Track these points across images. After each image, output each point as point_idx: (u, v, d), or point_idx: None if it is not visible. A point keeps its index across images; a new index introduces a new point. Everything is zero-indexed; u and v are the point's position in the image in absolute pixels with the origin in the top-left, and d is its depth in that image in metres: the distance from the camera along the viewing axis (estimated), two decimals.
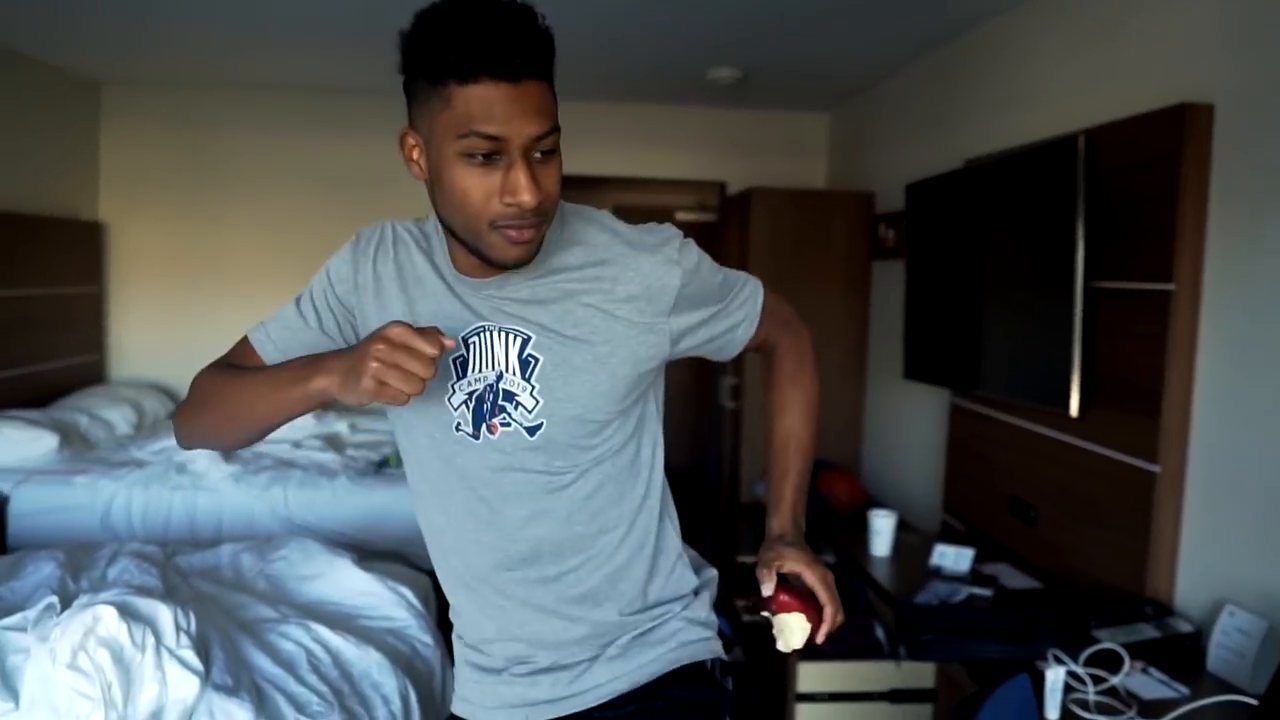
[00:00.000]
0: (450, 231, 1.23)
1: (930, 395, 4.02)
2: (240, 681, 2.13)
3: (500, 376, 1.27)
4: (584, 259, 1.29)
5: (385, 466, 4.35)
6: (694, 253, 1.33)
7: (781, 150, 5.75)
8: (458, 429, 1.29)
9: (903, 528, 3.32)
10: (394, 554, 3.84)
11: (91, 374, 5.44)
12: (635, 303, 1.27)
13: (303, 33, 4.24)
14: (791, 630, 1.27)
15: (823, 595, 1.32)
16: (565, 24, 4.05)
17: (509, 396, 1.27)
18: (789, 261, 4.77)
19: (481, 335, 1.27)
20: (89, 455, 4.35)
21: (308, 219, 5.73)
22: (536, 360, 1.26)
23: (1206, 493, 2.40)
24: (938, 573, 2.93)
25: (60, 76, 5.17)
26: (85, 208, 5.48)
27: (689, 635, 1.40)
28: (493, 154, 1.13)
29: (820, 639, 1.28)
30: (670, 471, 1.45)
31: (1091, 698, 2.03)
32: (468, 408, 1.28)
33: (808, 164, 5.79)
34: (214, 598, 2.66)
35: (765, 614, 1.29)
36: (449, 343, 1.09)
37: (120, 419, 4.87)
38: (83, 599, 2.11)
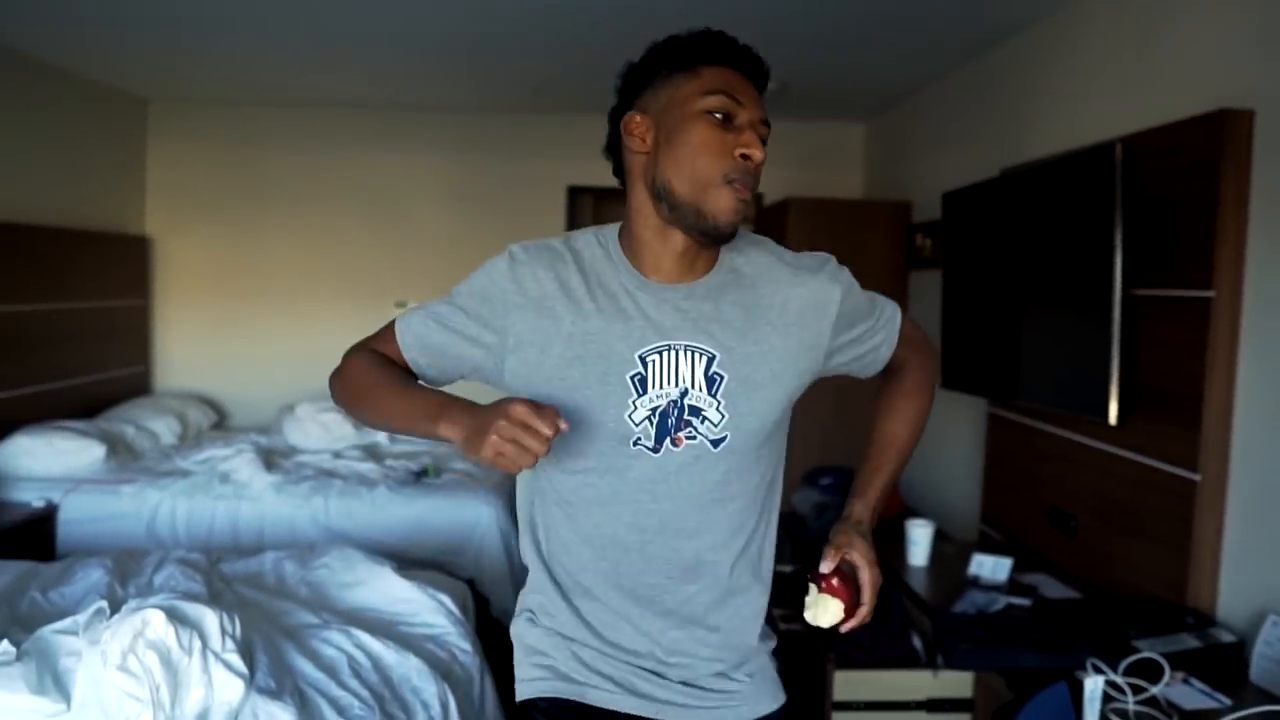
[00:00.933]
0: (665, 198, 1.31)
1: (969, 405, 4.00)
2: (284, 685, 2.16)
3: (685, 393, 1.33)
4: (755, 278, 1.39)
5: (424, 476, 4.39)
6: (848, 273, 1.45)
7: (818, 161, 5.76)
8: (636, 443, 1.33)
9: (941, 538, 3.31)
10: (432, 563, 3.88)
11: (137, 385, 5.55)
12: (803, 319, 1.38)
13: (349, 50, 4.32)
14: (827, 611, 1.33)
15: (868, 595, 1.37)
16: (600, 35, 4.10)
17: (695, 411, 1.33)
18: None
19: (664, 353, 1.33)
20: (135, 465, 4.44)
21: (351, 235, 5.82)
22: (722, 378, 1.33)
23: (1249, 501, 2.37)
24: (975, 582, 2.91)
25: (109, 94, 5.29)
26: (132, 222, 5.60)
27: (776, 684, 1.52)
28: (729, 117, 1.29)
29: (844, 629, 1.36)
30: None
31: (1131, 707, 2.01)
32: (650, 423, 1.32)
33: (844, 174, 5.79)
34: (257, 604, 2.70)
35: (812, 584, 1.35)
36: (564, 425, 1.15)
37: (165, 429, 4.97)
38: (131, 603, 2.15)
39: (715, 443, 1.34)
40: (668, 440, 1.33)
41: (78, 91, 4.99)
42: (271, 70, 4.79)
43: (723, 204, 1.28)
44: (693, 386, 1.32)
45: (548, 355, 1.33)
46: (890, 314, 1.51)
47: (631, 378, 1.32)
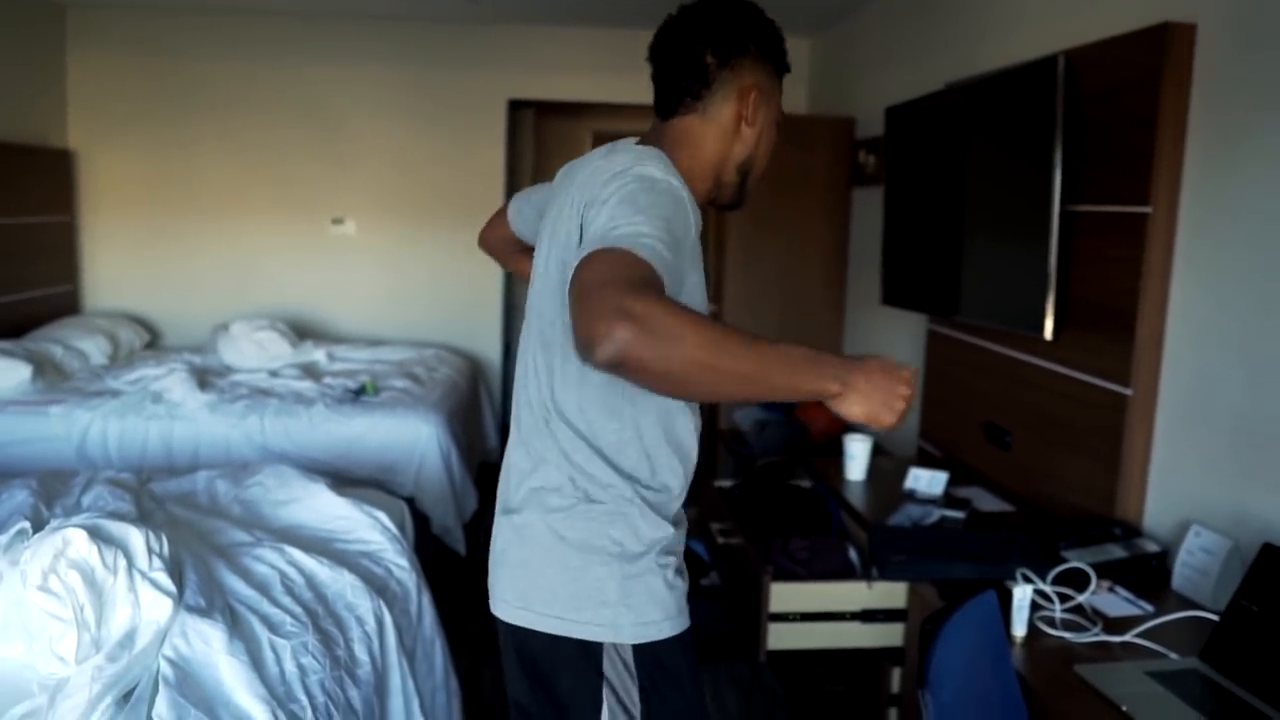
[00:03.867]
0: (743, 174, 1.57)
1: (908, 321, 4.02)
2: (214, 603, 2.13)
3: None
4: None
5: (362, 394, 4.34)
6: None
7: None
8: None
9: (879, 453, 3.34)
10: (371, 481, 3.85)
11: (65, 304, 5.40)
12: None
13: None
14: None
15: None
16: None
17: None
18: (768, 187, 4.73)
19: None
20: (64, 385, 4.33)
21: (285, 148, 5.66)
22: None
23: (1177, 415, 2.41)
24: (911, 496, 2.95)
25: None
26: (54, 135, 5.38)
27: None
28: None
29: None
30: None
31: (1058, 615, 2.06)
32: None
33: (788, 89, 5.65)
34: (188, 523, 2.66)
35: None
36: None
37: (95, 349, 4.84)
38: (53, 523, 2.10)
39: None
40: None
41: None
42: None
43: (749, 194, 1.62)
44: None
45: (696, 271, 1.43)
46: None
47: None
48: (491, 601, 1.54)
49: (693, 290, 1.40)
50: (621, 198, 1.27)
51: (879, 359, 1.26)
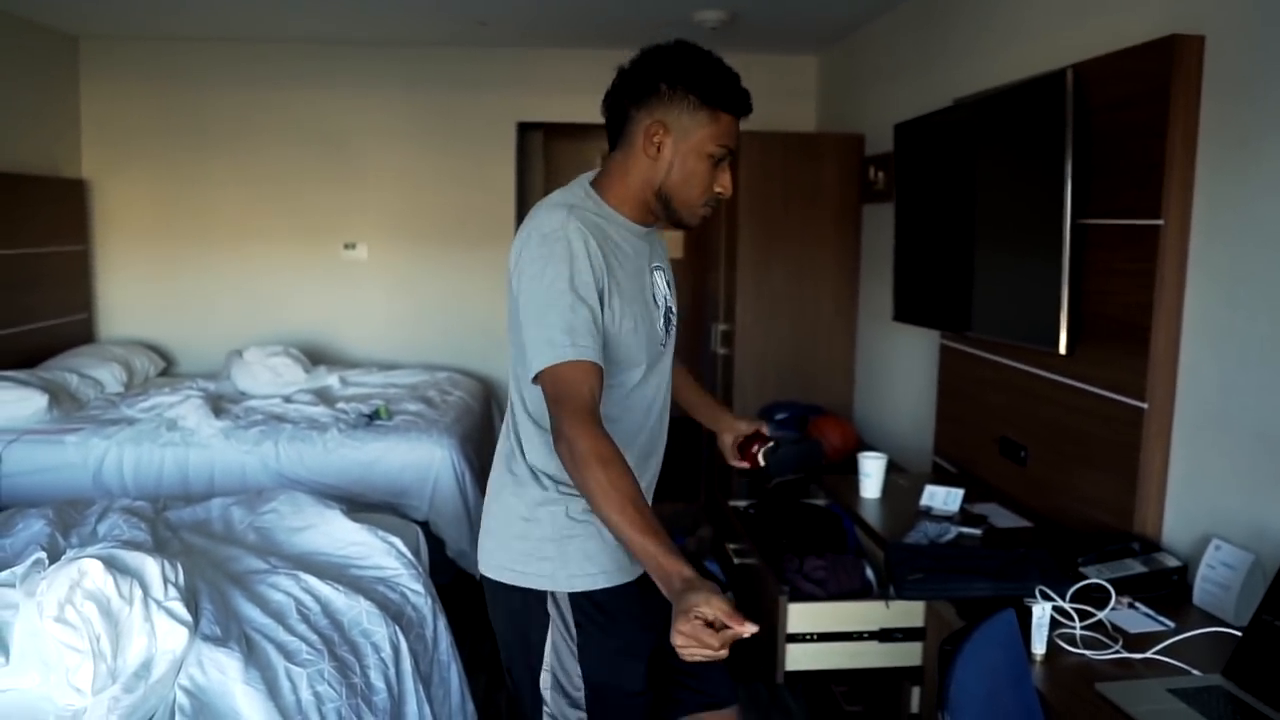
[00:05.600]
0: (661, 200, 1.76)
1: (921, 337, 4.01)
2: (229, 632, 2.13)
3: (666, 298, 1.85)
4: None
5: (376, 419, 4.34)
6: None
7: (771, 93, 5.68)
8: (663, 343, 1.83)
9: (894, 470, 3.32)
10: (385, 505, 3.85)
11: (80, 333, 5.43)
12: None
13: None
14: None
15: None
16: None
17: (670, 310, 1.86)
18: (779, 205, 4.74)
19: (656, 272, 1.83)
20: (79, 414, 4.35)
21: (297, 174, 5.69)
22: (670, 286, 1.88)
23: (1194, 428, 2.39)
24: (927, 513, 2.93)
25: (37, 31, 5.09)
26: (67, 165, 5.43)
27: None
28: (721, 159, 1.75)
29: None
30: None
31: (1078, 632, 2.04)
32: (666, 325, 1.84)
33: (797, 107, 5.73)
34: (204, 551, 2.66)
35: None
36: (748, 632, 1.38)
37: (110, 377, 4.87)
38: (69, 553, 2.11)
39: (673, 332, 1.88)
40: (669, 333, 1.85)
41: (2, 29, 4.79)
42: (208, 4, 4.62)
43: (696, 218, 1.79)
44: (669, 293, 1.87)
45: (637, 297, 1.75)
46: None
47: (653, 294, 1.81)
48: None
49: (632, 329, 1.72)
50: (532, 297, 1.63)
51: (708, 602, 1.35)
